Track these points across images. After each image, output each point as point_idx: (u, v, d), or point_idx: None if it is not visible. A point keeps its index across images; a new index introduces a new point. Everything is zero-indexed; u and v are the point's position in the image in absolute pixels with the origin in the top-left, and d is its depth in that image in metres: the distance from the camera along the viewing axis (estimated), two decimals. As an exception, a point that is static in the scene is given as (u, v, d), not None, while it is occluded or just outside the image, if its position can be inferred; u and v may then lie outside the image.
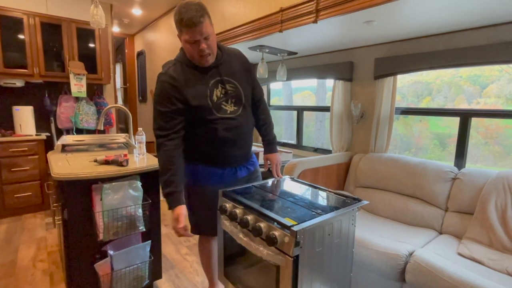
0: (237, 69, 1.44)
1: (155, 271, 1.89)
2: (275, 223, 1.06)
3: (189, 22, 1.17)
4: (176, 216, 1.25)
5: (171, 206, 1.27)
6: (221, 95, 1.36)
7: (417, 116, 2.47)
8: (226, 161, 1.44)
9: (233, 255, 1.40)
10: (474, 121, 2.04)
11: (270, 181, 1.56)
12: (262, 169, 1.65)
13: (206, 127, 1.35)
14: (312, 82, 3.44)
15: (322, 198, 1.37)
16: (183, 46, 1.30)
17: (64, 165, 1.66)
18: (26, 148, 3.04)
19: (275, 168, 1.57)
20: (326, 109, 2.95)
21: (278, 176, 1.58)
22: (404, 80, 2.57)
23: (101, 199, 1.54)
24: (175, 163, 1.28)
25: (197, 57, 1.28)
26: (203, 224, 1.50)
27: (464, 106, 2.22)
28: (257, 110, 1.57)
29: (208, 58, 1.30)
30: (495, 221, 1.65)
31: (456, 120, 2.08)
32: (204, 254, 1.63)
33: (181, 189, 1.29)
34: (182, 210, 1.26)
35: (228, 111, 1.38)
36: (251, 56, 2.93)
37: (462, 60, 1.89)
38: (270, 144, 1.60)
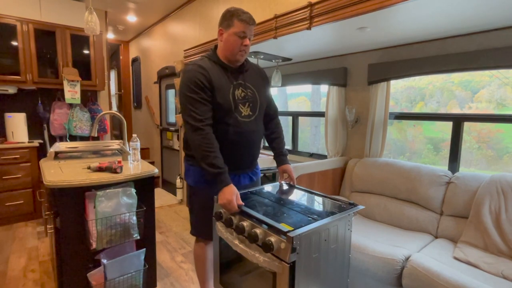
0: (258, 80, 1.55)
1: (150, 280, 1.86)
2: (271, 229, 1.06)
3: (247, 18, 1.36)
4: (232, 192, 1.25)
5: (222, 186, 1.27)
6: (240, 97, 1.44)
7: (411, 121, 2.50)
8: (231, 164, 1.44)
9: (229, 262, 1.38)
10: (467, 125, 2.06)
11: (265, 187, 1.55)
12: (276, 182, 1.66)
13: (224, 123, 1.39)
14: (307, 87, 3.46)
15: (318, 203, 1.37)
16: (227, 39, 1.39)
17: (57, 173, 1.64)
18: (18, 156, 2.99)
19: (293, 179, 1.59)
20: (321, 114, 2.97)
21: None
22: (397, 85, 2.60)
23: (94, 207, 1.52)
24: (214, 145, 1.31)
25: (236, 50, 1.40)
26: (201, 226, 1.53)
27: (456, 110, 2.25)
28: (271, 122, 1.65)
29: (243, 55, 1.43)
30: (489, 224, 1.67)
31: (449, 125, 2.10)
32: (199, 258, 1.63)
33: (226, 169, 1.31)
34: (234, 188, 1.28)
35: (243, 114, 1.44)
36: (246, 62, 2.94)
37: (453, 65, 1.92)
38: (284, 156, 1.63)
